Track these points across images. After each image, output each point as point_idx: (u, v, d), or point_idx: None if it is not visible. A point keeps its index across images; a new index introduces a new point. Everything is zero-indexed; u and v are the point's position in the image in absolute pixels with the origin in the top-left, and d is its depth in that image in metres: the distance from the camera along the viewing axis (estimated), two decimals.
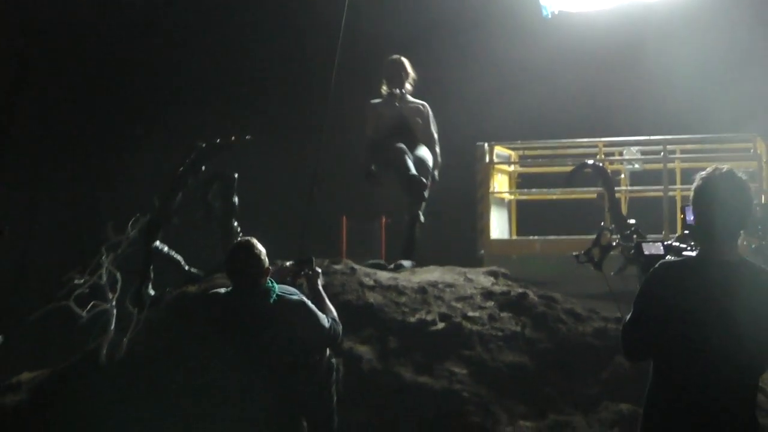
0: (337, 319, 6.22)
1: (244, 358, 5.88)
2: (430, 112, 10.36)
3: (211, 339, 6.24)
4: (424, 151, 10.16)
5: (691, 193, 4.34)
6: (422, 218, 10.01)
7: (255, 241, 6.02)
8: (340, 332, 6.22)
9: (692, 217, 5.43)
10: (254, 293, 5.86)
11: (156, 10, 15.89)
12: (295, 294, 6.06)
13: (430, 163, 10.12)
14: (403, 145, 9.95)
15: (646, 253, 5.16)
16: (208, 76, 16.02)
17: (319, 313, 6.04)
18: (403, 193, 10.01)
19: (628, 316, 4.33)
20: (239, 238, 6.49)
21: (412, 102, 10.34)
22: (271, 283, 5.98)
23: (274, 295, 5.89)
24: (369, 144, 10.23)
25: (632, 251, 6.23)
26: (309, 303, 6.02)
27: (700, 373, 4.13)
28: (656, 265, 4.35)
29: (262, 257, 5.93)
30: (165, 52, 16.01)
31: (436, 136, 10.38)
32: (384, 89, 10.36)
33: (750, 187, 4.35)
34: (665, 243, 5.36)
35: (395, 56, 10.36)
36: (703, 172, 4.29)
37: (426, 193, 9.92)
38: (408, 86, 10.34)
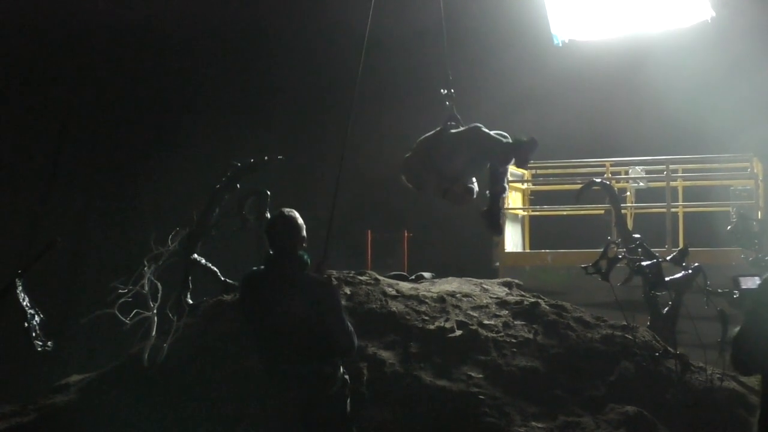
0: (354, 332, 5.70)
1: (273, 319, 5.53)
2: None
3: (248, 306, 5.76)
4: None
5: None
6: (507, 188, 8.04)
7: (295, 212, 5.71)
8: (356, 343, 5.68)
9: (745, 286, 5.35)
10: (290, 261, 5.57)
11: (200, 46, 16.08)
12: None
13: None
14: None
15: (743, 287, 5.08)
16: (242, 104, 16.15)
17: (343, 310, 5.68)
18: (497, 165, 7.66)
19: (738, 330, 4.08)
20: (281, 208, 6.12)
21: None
22: (305, 254, 5.66)
23: (306, 265, 5.61)
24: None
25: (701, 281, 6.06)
26: (337, 291, 5.68)
27: None
28: (765, 277, 4.08)
29: (300, 227, 5.62)
30: (206, 85, 16.20)
31: None
32: None
33: None
34: (762, 277, 5.24)
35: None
36: None
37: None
38: None
